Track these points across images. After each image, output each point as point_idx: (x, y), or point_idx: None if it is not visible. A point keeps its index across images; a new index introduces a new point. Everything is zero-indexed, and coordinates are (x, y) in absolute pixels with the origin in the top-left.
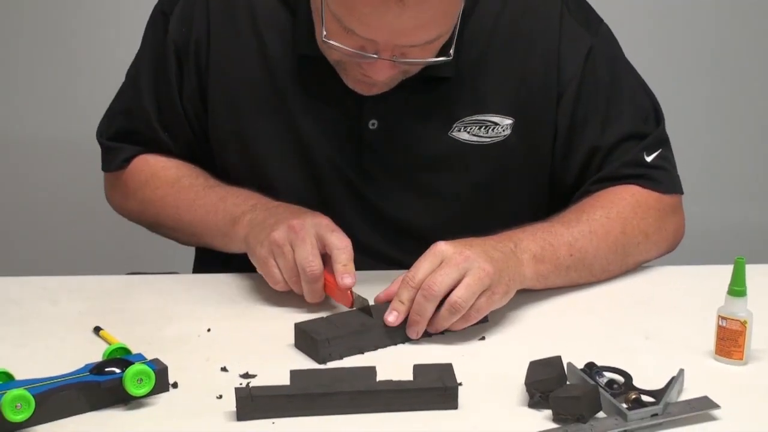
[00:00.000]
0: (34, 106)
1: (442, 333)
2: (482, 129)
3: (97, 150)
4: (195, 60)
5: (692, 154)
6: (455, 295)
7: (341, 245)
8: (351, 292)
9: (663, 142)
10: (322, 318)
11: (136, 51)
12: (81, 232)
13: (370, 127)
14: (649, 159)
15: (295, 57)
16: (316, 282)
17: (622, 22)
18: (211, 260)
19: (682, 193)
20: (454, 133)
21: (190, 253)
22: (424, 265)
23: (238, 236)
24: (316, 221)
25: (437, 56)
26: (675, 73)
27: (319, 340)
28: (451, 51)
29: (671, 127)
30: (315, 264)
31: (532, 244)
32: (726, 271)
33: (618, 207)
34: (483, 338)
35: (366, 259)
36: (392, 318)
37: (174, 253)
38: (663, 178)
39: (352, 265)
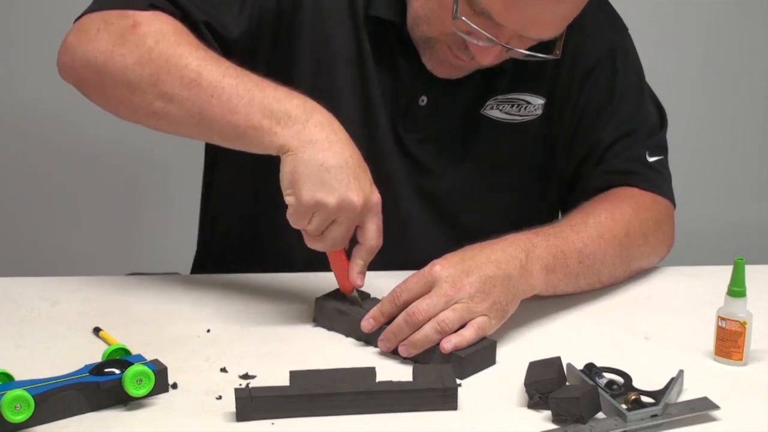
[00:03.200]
0: (34, 105)
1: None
2: (515, 107)
3: (97, 151)
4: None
5: (692, 154)
6: (442, 315)
7: (371, 245)
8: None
9: (664, 150)
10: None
11: None
12: (81, 232)
13: (420, 103)
14: (650, 160)
15: (364, 20)
16: (333, 250)
17: (628, 22)
18: (211, 260)
19: (674, 202)
20: (486, 111)
21: (190, 253)
22: (414, 285)
23: (274, 140)
24: (371, 204)
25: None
26: (675, 73)
27: (317, 299)
28: (558, 51)
29: (671, 128)
30: (339, 246)
31: (545, 253)
32: (726, 272)
33: (621, 209)
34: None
35: (393, 235)
36: (367, 325)
37: (174, 253)
38: (659, 181)
39: (365, 267)
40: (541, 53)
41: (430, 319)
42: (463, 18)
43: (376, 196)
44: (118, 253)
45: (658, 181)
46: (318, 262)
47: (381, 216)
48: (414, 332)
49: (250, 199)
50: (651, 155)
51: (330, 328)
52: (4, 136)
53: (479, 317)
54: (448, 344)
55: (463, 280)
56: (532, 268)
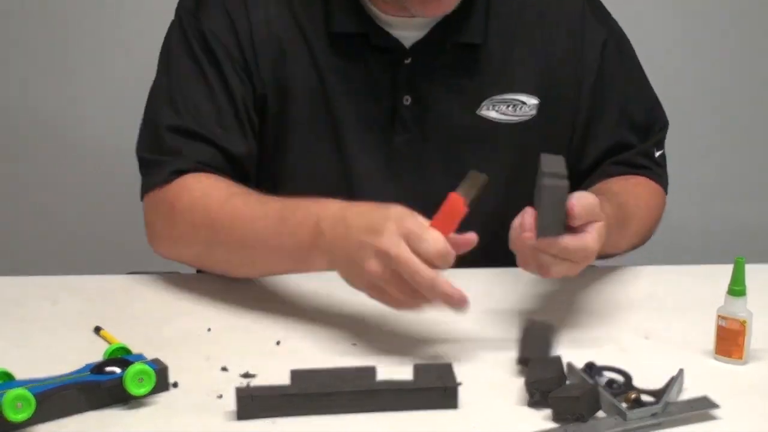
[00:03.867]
0: (34, 105)
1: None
2: (510, 108)
3: (96, 148)
4: (241, 45)
5: (693, 154)
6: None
7: (437, 253)
8: (459, 197)
9: (663, 144)
10: None
11: (140, 53)
12: (81, 232)
13: (405, 103)
14: (656, 155)
15: (327, 36)
16: (435, 289)
17: (625, 22)
18: None
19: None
20: (482, 111)
21: None
22: (591, 243)
23: (315, 263)
24: (400, 230)
25: (468, 29)
26: (676, 73)
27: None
28: None
29: (671, 128)
30: (426, 274)
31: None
32: (726, 271)
33: (637, 194)
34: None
35: None
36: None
37: None
38: (663, 176)
39: (457, 291)
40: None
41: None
42: None
43: (400, 220)
44: (118, 252)
45: (663, 176)
46: None
47: (424, 228)
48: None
49: (275, 179)
50: (657, 150)
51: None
52: (4, 135)
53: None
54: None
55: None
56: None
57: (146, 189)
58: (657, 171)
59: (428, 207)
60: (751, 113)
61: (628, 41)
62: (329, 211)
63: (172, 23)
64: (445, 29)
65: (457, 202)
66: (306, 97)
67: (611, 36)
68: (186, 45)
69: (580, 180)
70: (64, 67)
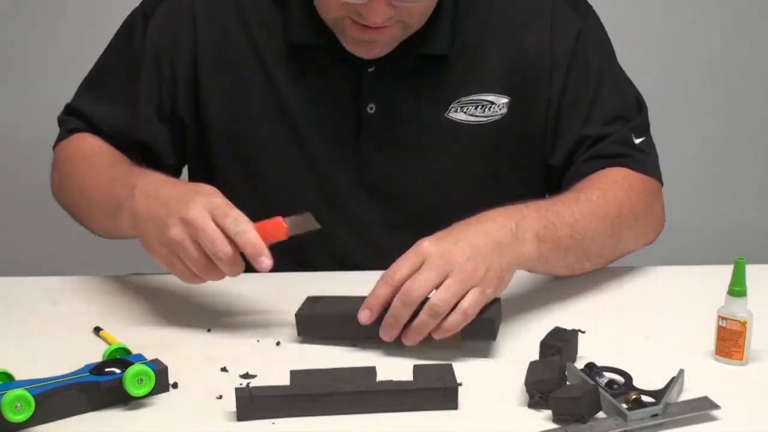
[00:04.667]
0: (34, 105)
1: (428, 342)
2: (479, 108)
3: None
4: (182, 63)
5: (693, 154)
6: (434, 298)
7: (239, 228)
8: (283, 219)
9: (647, 130)
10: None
11: None
12: (81, 232)
13: (369, 111)
14: (637, 141)
15: (286, 49)
16: (235, 263)
17: (625, 21)
18: None
19: (662, 182)
20: (450, 114)
21: None
22: (404, 263)
23: (123, 227)
24: (208, 204)
25: (431, 34)
26: (676, 73)
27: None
28: None
29: (672, 128)
30: (225, 248)
31: (536, 223)
32: (726, 271)
33: (614, 189)
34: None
35: (367, 245)
36: (364, 317)
37: None
38: (648, 162)
39: (261, 244)
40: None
41: (424, 296)
42: None
43: (210, 195)
44: (118, 253)
45: (646, 162)
46: (317, 262)
47: (230, 206)
48: (411, 313)
49: (246, 200)
50: (637, 137)
51: (321, 336)
52: (4, 135)
53: (468, 296)
54: (437, 334)
55: (453, 250)
56: (524, 236)
57: (54, 146)
58: (638, 157)
59: (404, 214)
60: (751, 113)
61: (604, 31)
62: (147, 179)
63: (128, 18)
64: (409, 41)
65: (280, 229)
66: (266, 112)
67: (587, 26)
68: (127, 46)
69: (554, 177)
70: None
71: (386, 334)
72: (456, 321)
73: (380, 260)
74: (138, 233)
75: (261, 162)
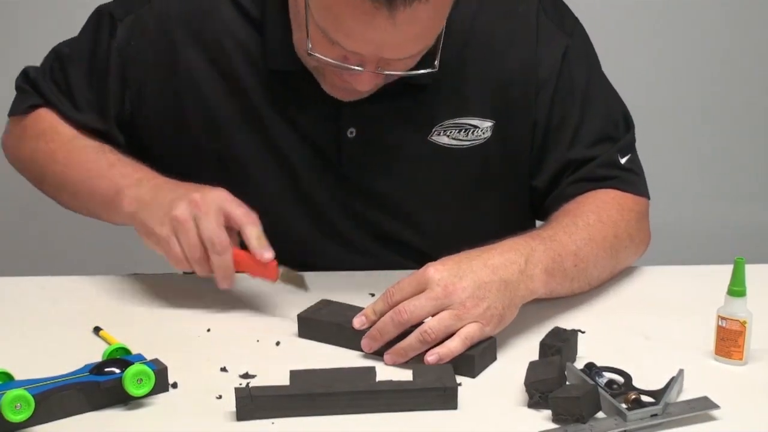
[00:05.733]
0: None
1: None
2: (462, 132)
3: None
4: (158, 75)
5: (692, 155)
6: (426, 324)
7: (249, 219)
8: (277, 266)
9: (633, 147)
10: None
11: None
12: (81, 232)
13: (349, 135)
14: (622, 161)
15: (264, 73)
16: (225, 253)
17: (626, 19)
18: None
19: (649, 198)
20: (433, 138)
21: None
22: (407, 286)
23: (122, 211)
24: (218, 195)
25: (420, 64)
26: (675, 74)
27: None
28: (436, 63)
29: (672, 128)
30: (222, 236)
31: (544, 257)
32: (726, 271)
33: (607, 210)
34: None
35: (355, 261)
36: (358, 323)
37: None
38: (635, 181)
39: (265, 239)
40: (421, 68)
41: (415, 320)
42: (315, 53)
43: (222, 191)
44: (118, 253)
45: (634, 182)
46: (316, 262)
47: (237, 200)
48: (399, 333)
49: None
50: (622, 156)
51: (319, 340)
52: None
53: (468, 326)
54: (432, 357)
55: (456, 284)
56: (533, 272)
57: (9, 113)
58: (625, 177)
59: (379, 235)
60: (751, 113)
61: (590, 46)
62: (157, 174)
63: (94, 13)
64: None
65: (272, 271)
66: (248, 136)
67: (573, 42)
68: (93, 43)
69: (537, 198)
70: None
71: (366, 345)
72: (444, 354)
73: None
74: (137, 217)
75: (244, 183)
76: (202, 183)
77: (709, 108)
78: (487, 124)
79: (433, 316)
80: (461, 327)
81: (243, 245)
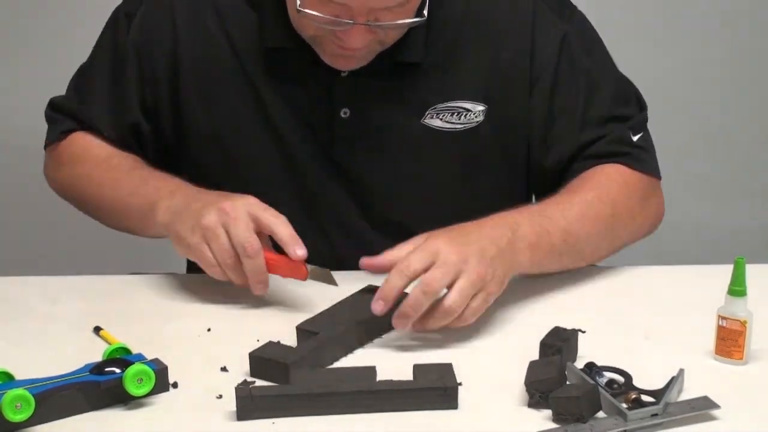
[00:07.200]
0: (33, 105)
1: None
2: (454, 116)
3: None
4: (160, 62)
5: (693, 154)
6: (449, 299)
7: (279, 220)
8: (305, 264)
9: (645, 126)
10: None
11: None
12: (81, 232)
13: (342, 116)
14: (634, 138)
15: (262, 51)
16: (257, 257)
17: (628, 19)
18: None
19: (660, 177)
20: (426, 121)
21: None
22: (416, 258)
23: (157, 222)
24: (246, 201)
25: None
26: (676, 74)
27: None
28: (425, 12)
29: (671, 128)
30: (253, 240)
31: (529, 231)
32: (726, 271)
33: (608, 188)
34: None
35: (350, 243)
36: (378, 308)
37: (174, 253)
38: (646, 158)
39: (297, 236)
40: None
41: (440, 290)
42: (306, 9)
43: (249, 197)
44: (118, 252)
45: (643, 158)
46: (315, 262)
47: (264, 204)
48: (430, 303)
49: None
50: (634, 134)
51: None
52: (4, 135)
53: (477, 298)
54: (461, 322)
55: (465, 250)
56: (519, 246)
57: (45, 143)
58: (635, 154)
59: (372, 215)
60: (752, 113)
61: (592, 31)
62: (188, 185)
63: (111, 17)
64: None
65: (302, 270)
66: (245, 113)
67: (573, 30)
68: (111, 44)
69: (554, 181)
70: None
71: (401, 323)
72: (465, 318)
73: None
74: (171, 227)
75: (240, 161)
76: (197, 165)
77: (709, 108)
78: (479, 108)
79: (449, 285)
80: (479, 291)
81: (275, 248)
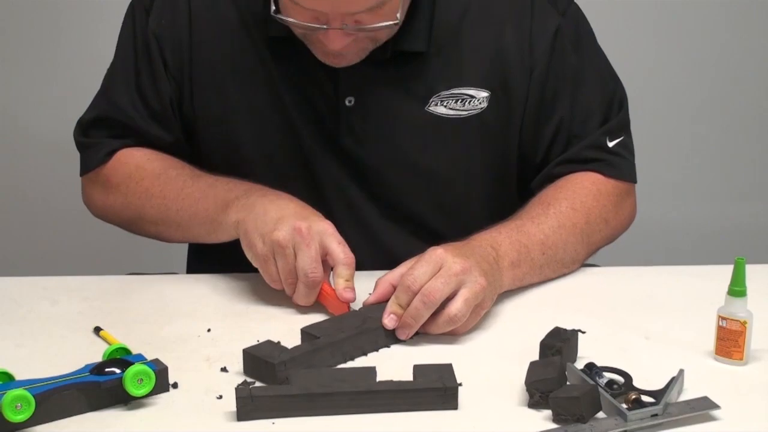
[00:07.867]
0: (33, 106)
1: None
2: (459, 102)
3: None
4: (177, 48)
5: (693, 154)
6: (454, 309)
7: (346, 261)
8: (349, 307)
9: (625, 128)
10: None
11: None
12: (81, 232)
13: (347, 104)
14: (610, 144)
15: (272, 41)
16: (315, 288)
17: (625, 18)
18: (204, 257)
19: (635, 182)
20: (431, 108)
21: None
22: (423, 269)
23: (228, 221)
24: (321, 227)
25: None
26: (676, 73)
27: (275, 363)
28: (398, 15)
29: (672, 128)
30: (317, 271)
31: (510, 250)
32: (726, 271)
33: (581, 197)
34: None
35: (360, 232)
36: (391, 323)
37: (174, 254)
38: (621, 165)
39: (353, 281)
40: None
41: (441, 299)
42: (281, 16)
43: (326, 223)
44: (118, 253)
45: (620, 166)
46: None
47: (339, 237)
48: (430, 314)
49: None
50: (611, 139)
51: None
52: (4, 135)
53: (472, 314)
54: (455, 331)
55: (468, 261)
56: (502, 265)
57: (84, 170)
58: (610, 161)
59: (389, 203)
60: (751, 113)
61: (585, 24)
62: (260, 186)
63: (127, 12)
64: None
65: (343, 311)
66: (257, 101)
67: (565, 21)
68: (132, 39)
69: (531, 174)
70: (68, 66)
71: (404, 333)
72: (458, 329)
73: (378, 250)
74: (242, 225)
75: (250, 148)
76: (207, 152)
77: (709, 107)
78: (483, 95)
79: (452, 294)
80: (480, 302)
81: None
